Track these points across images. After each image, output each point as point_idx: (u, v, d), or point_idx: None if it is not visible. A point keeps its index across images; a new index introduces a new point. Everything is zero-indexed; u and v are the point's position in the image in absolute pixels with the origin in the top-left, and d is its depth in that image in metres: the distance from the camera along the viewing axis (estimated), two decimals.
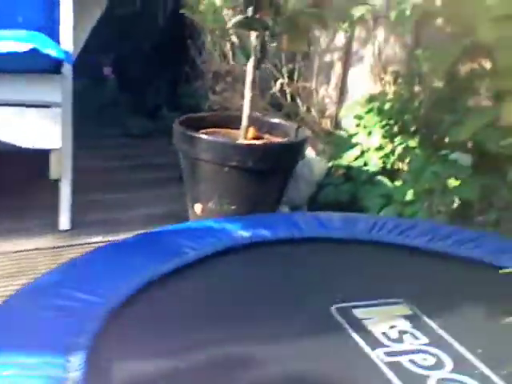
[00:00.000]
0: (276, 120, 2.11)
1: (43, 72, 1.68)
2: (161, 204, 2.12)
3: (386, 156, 2.24)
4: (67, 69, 1.79)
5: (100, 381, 0.81)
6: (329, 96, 2.90)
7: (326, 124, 2.81)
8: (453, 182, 1.99)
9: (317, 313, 1.10)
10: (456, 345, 1.04)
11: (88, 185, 2.15)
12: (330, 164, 2.37)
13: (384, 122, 2.25)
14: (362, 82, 2.62)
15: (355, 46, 2.73)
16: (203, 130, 1.94)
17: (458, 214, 1.92)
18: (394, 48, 2.54)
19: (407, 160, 2.17)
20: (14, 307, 0.94)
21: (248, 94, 1.87)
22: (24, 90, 1.65)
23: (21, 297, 0.97)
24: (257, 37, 1.73)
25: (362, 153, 2.29)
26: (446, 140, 2.03)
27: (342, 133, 2.48)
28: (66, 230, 1.81)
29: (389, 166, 2.24)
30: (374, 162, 2.24)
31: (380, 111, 2.27)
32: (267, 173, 1.81)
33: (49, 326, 0.89)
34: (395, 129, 2.26)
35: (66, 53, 1.68)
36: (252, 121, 2.04)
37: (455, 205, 1.93)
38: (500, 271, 1.01)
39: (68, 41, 1.77)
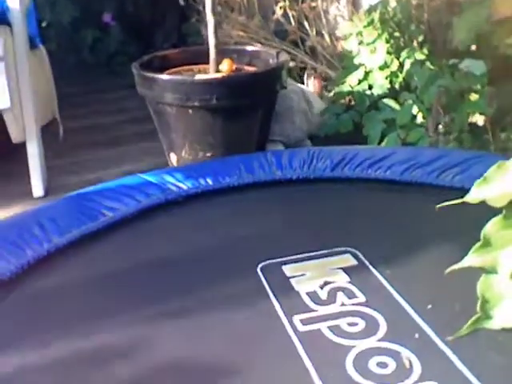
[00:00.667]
0: (256, 48, 1.89)
1: None
2: (147, 158, 1.98)
3: (393, 74, 1.95)
4: (17, 18, 1.64)
5: None
6: (341, 14, 2.60)
7: (341, 47, 2.52)
8: (465, 96, 1.70)
9: (239, 274, 0.93)
10: (401, 302, 0.84)
11: (70, 144, 2.05)
12: (332, 92, 2.12)
13: (387, 36, 1.96)
14: None
15: None
16: (171, 70, 1.76)
17: (469, 137, 1.63)
18: None
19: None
20: None
21: (210, 20, 1.64)
22: None
23: None
24: None
25: (366, 74, 2.02)
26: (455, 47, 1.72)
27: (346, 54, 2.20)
28: (41, 197, 1.71)
29: (397, 85, 1.95)
30: (380, 83, 1.96)
31: (382, 22, 1.97)
32: (238, 109, 1.61)
33: None
34: (401, 42, 1.96)
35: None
36: (229, 52, 1.83)
37: (467, 126, 1.65)
38: (436, 206, 0.78)
39: None
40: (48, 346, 0.77)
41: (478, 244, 0.75)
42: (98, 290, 0.90)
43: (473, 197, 0.75)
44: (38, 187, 1.69)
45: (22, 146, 1.72)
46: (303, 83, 2.37)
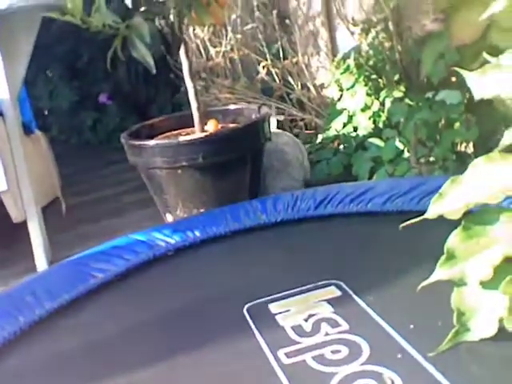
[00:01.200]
0: (239, 106, 1.96)
1: None
2: (147, 223, 2.01)
3: (375, 114, 2.01)
4: (7, 107, 1.74)
5: None
6: (322, 65, 2.70)
7: (326, 96, 2.60)
8: (445, 126, 1.74)
9: (226, 317, 0.94)
10: (383, 325, 0.84)
11: (72, 219, 2.11)
12: (320, 138, 2.17)
13: (365, 79, 2.03)
14: (352, 41, 2.39)
15: (335, 5, 2.51)
16: (159, 136, 1.83)
17: (455, 164, 1.66)
18: None
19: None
20: None
21: (189, 84, 1.72)
22: None
23: None
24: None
25: (350, 117, 2.08)
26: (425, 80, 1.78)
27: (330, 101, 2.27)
28: None
29: (380, 124, 2.00)
30: (364, 124, 2.01)
31: (358, 67, 2.05)
32: (225, 165, 1.65)
33: None
34: (379, 83, 2.03)
35: None
36: (214, 113, 1.90)
37: (451, 154, 1.68)
38: (400, 225, 0.80)
39: (0, 80, 1.73)
40: None
41: (443, 258, 0.77)
42: (89, 352, 0.91)
43: (431, 213, 0.78)
44: (41, 262, 1.74)
45: (25, 224, 1.78)
46: (295, 135, 2.44)
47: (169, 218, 1.76)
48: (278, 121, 2.34)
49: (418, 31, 1.83)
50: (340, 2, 2.45)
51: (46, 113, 3.63)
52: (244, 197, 1.74)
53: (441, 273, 0.76)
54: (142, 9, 1.48)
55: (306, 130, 2.51)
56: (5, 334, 0.90)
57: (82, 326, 0.96)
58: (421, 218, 0.78)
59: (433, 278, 0.76)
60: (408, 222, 0.79)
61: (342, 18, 2.36)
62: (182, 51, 1.67)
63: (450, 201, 0.76)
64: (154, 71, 1.42)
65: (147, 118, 3.28)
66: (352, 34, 2.20)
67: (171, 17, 1.54)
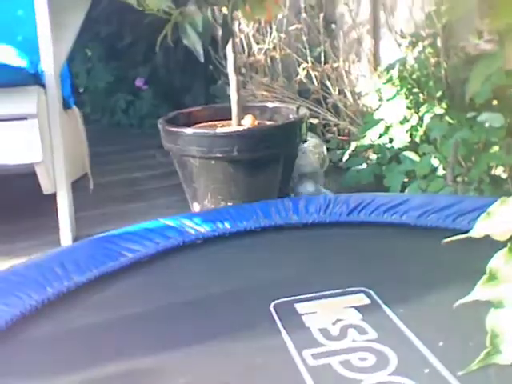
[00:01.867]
0: (277, 104, 1.96)
1: (18, 85, 1.65)
2: (172, 210, 2.03)
3: (413, 128, 1.99)
4: (50, 80, 1.76)
5: None
6: (362, 74, 2.68)
7: (363, 104, 2.58)
8: (484, 148, 1.71)
9: (252, 311, 0.94)
10: (413, 339, 0.83)
11: (99, 197, 2.12)
12: (353, 145, 2.16)
13: (406, 91, 2.01)
14: (396, 52, 2.38)
15: (383, 15, 2.49)
16: (196, 126, 1.83)
17: (490, 187, 1.64)
18: (423, 10, 2.28)
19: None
20: None
21: (233, 79, 1.72)
22: None
23: None
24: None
25: (387, 128, 2.06)
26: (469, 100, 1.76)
27: (367, 110, 2.26)
28: None
29: (417, 138, 1.99)
30: (400, 137, 2.00)
31: (401, 79, 2.03)
32: (259, 161, 1.65)
33: None
34: (420, 97, 2.01)
35: (33, 62, 1.64)
36: (251, 109, 1.90)
37: (487, 176, 1.66)
38: (444, 241, 0.79)
39: (47, 51, 1.74)
40: (62, 370, 0.79)
41: (485, 278, 0.75)
42: (113, 328, 0.92)
43: (477, 231, 0.76)
44: (66, 236, 1.75)
45: (52, 198, 1.79)
46: (327, 140, 2.43)
47: (196, 207, 1.77)
48: (311, 123, 2.34)
49: (468, 50, 1.81)
50: (389, 12, 2.44)
51: (82, 90, 3.66)
52: (273, 195, 1.74)
53: (480, 293, 0.74)
54: None
55: (339, 135, 2.50)
56: (32, 302, 0.91)
57: (109, 301, 0.96)
58: (466, 235, 0.76)
59: (471, 297, 0.75)
60: (452, 239, 0.77)
61: (390, 29, 2.35)
62: (229, 45, 1.67)
63: (497, 221, 0.74)
64: (203, 60, 1.43)
65: (180, 107, 3.30)
66: (399, 45, 2.18)
67: (224, 8, 1.54)
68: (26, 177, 1.88)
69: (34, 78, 1.70)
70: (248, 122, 1.81)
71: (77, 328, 0.90)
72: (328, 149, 2.38)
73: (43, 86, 1.74)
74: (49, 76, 1.76)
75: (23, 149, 1.66)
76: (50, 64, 1.76)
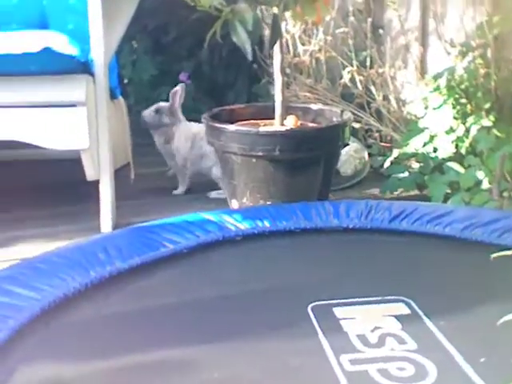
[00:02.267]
0: (321, 107, 1.94)
1: (68, 73, 1.68)
2: (212, 206, 2.03)
3: (459, 139, 1.95)
4: (99, 69, 1.78)
5: None
6: (408, 81, 2.64)
7: (407, 112, 2.55)
8: None
9: (289, 311, 0.94)
10: (453, 352, 0.82)
11: (139, 188, 2.14)
12: (396, 153, 2.13)
13: (453, 101, 1.97)
14: (444, 61, 2.34)
15: (432, 22, 2.46)
16: (239, 123, 1.83)
17: None
18: (475, 19, 2.24)
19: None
20: None
21: (279, 78, 1.72)
22: (47, 90, 1.67)
23: None
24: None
25: (432, 138, 2.03)
26: None
27: (412, 118, 2.23)
28: None
29: (463, 150, 1.95)
30: (445, 147, 1.96)
31: (449, 88, 1.99)
32: (300, 162, 1.64)
33: None
34: (468, 108, 1.97)
35: (83, 51, 1.67)
36: (295, 109, 1.89)
37: None
38: (492, 255, 0.77)
39: (98, 41, 1.77)
40: (100, 355, 0.80)
41: None
42: (152, 315, 0.93)
43: None
44: (106, 223, 1.77)
45: (94, 185, 1.82)
46: (368, 146, 2.41)
47: (234, 203, 1.77)
48: (353, 128, 2.32)
49: None
50: (439, 20, 2.40)
51: (126, 81, 3.71)
52: (312, 197, 1.73)
53: None
54: None
55: (381, 142, 2.48)
56: (76, 285, 0.93)
57: (148, 290, 0.97)
58: None
59: None
60: (501, 254, 0.75)
61: (439, 37, 2.31)
62: (277, 45, 1.67)
63: None
64: (250, 58, 1.43)
65: (222, 103, 3.32)
66: (448, 54, 2.14)
67: (274, 8, 1.54)
68: (71, 162, 1.92)
69: (84, 67, 1.73)
70: (291, 122, 1.80)
71: (116, 313, 0.92)
72: (369, 154, 2.36)
73: (92, 74, 1.76)
74: (98, 65, 1.78)
75: (71, 135, 1.68)
76: (99, 53, 1.78)
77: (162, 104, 2.10)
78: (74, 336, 0.85)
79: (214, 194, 2.06)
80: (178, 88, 2.11)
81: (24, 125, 1.68)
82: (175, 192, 2.10)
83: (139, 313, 0.90)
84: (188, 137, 2.05)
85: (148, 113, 2.08)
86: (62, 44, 1.58)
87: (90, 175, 1.78)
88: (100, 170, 1.81)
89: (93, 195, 1.83)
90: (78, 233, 1.75)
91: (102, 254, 1.02)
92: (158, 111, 2.08)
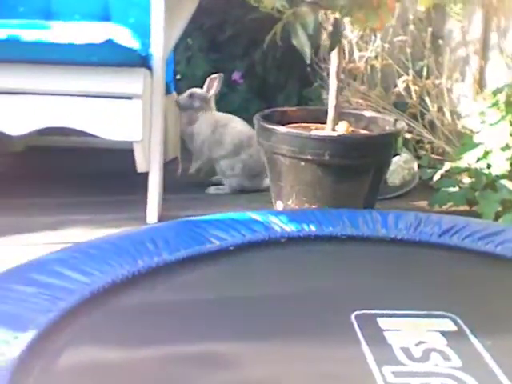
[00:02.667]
0: (374, 114, 1.92)
1: (127, 65, 1.72)
2: (255, 205, 2.04)
3: None
4: (157, 64, 1.82)
5: (36, 363, 0.75)
6: (464, 94, 2.59)
7: (462, 125, 2.50)
8: None
9: (333, 318, 0.93)
10: (498, 373, 0.79)
11: (185, 182, 2.17)
12: (448, 166, 2.09)
13: None
14: (504, 76, 2.28)
15: (494, 36, 2.40)
16: (289, 125, 1.83)
17: None
18: None
19: None
20: (5, 277, 0.94)
21: (333, 83, 1.71)
22: (106, 81, 1.70)
23: (16, 269, 0.97)
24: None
25: (486, 153, 1.98)
26: None
27: (466, 131, 2.18)
28: None
29: None
30: (499, 164, 1.91)
31: (508, 104, 1.94)
32: (349, 168, 1.63)
33: (21, 300, 0.87)
34: None
35: (144, 45, 1.70)
36: (347, 115, 1.88)
37: None
38: None
39: (158, 36, 1.80)
40: (144, 343, 0.82)
41: None
42: (196, 309, 0.94)
43: None
44: (152, 214, 1.80)
45: (144, 177, 1.86)
46: (419, 157, 2.38)
47: (279, 205, 1.77)
48: (404, 138, 2.29)
49: None
50: (502, 34, 2.34)
51: (179, 77, 3.76)
52: (358, 204, 1.72)
53: None
54: None
55: (432, 154, 2.43)
56: (124, 272, 0.95)
57: (193, 283, 0.98)
58: None
59: None
60: None
61: (501, 51, 2.25)
62: (335, 50, 1.66)
63: None
64: (309, 61, 1.43)
65: (272, 104, 3.33)
66: (509, 69, 2.09)
67: (336, 13, 1.53)
68: (123, 153, 1.97)
69: (143, 61, 1.76)
70: (342, 128, 1.79)
71: (161, 304, 0.93)
72: (419, 166, 2.33)
73: (150, 69, 1.80)
74: (157, 60, 1.81)
75: (125, 126, 1.72)
76: (159, 48, 1.81)
77: (197, 89, 2.20)
78: (120, 322, 0.87)
79: (212, 190, 2.15)
80: (216, 76, 2.19)
81: (81, 113, 1.72)
82: (190, 171, 2.19)
83: (183, 305, 0.91)
84: (210, 123, 2.13)
85: (182, 97, 2.18)
86: (123, 37, 1.62)
87: (141, 167, 1.82)
88: (150, 162, 1.84)
89: (141, 186, 1.87)
90: (124, 221, 1.79)
91: (150, 245, 1.04)
92: (191, 95, 2.17)
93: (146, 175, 1.84)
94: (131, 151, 1.80)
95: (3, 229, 1.69)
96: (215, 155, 2.12)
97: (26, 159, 2.44)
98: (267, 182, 2.02)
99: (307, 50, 1.44)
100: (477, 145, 2.01)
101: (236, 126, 2.15)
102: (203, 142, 2.12)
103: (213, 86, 2.18)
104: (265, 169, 1.97)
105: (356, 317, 0.92)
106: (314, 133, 1.70)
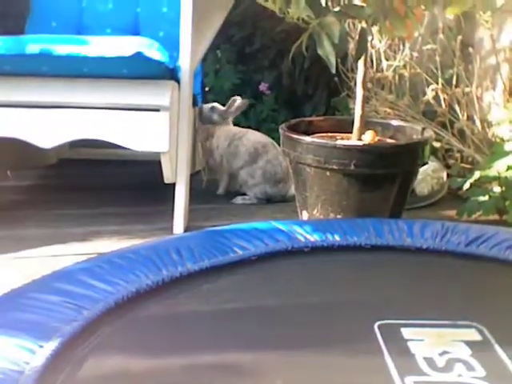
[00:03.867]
0: (401, 123, 1.90)
1: (155, 78, 1.75)
2: (280, 215, 2.04)
3: None
4: (185, 76, 1.84)
5: (60, 372, 0.77)
6: (495, 102, 2.55)
7: (493, 133, 2.46)
8: None
9: (355, 327, 0.92)
10: None
11: (210, 193, 2.19)
12: (478, 175, 2.06)
13: None
14: None
15: None
16: (315, 135, 1.83)
17: None
18: None
19: None
20: (32, 287, 0.96)
21: (360, 92, 1.71)
22: (134, 94, 1.74)
23: (42, 279, 0.99)
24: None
25: None
26: None
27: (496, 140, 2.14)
28: None
29: None
30: None
31: None
32: (375, 178, 1.62)
33: (46, 309, 0.89)
34: None
35: (172, 57, 1.73)
36: (373, 124, 1.87)
37: None
38: None
39: (186, 49, 1.83)
40: (167, 352, 0.82)
41: None
42: (218, 318, 0.94)
43: None
44: (179, 225, 1.82)
45: (170, 188, 1.88)
46: (448, 166, 2.35)
47: (305, 215, 1.77)
48: (433, 147, 2.26)
49: None
50: None
51: (207, 89, 3.80)
52: (385, 214, 1.70)
53: None
54: (337, 9, 1.49)
55: (461, 162, 2.40)
56: (148, 282, 0.96)
57: (216, 293, 0.99)
58: None
59: None
60: None
61: None
62: (361, 59, 1.66)
63: None
64: (334, 71, 1.43)
65: (299, 115, 3.33)
66: None
67: (363, 22, 1.53)
68: (150, 164, 2.00)
69: (171, 73, 1.79)
70: (369, 137, 1.78)
71: (184, 313, 0.94)
72: (448, 175, 2.29)
73: (178, 81, 1.83)
74: (184, 72, 1.84)
75: (152, 138, 1.75)
76: (187, 61, 1.84)
77: (218, 105, 2.28)
78: (143, 331, 0.88)
79: (239, 200, 2.16)
80: (241, 101, 2.29)
81: (110, 126, 1.76)
82: (218, 192, 2.23)
83: (206, 314, 0.92)
84: (227, 136, 2.19)
85: (205, 107, 2.26)
86: (152, 50, 1.65)
87: (168, 178, 1.85)
88: (177, 173, 1.87)
89: (168, 197, 1.90)
90: (151, 232, 1.81)
91: (174, 255, 1.05)
92: (212, 109, 2.24)
93: (173, 186, 1.87)
94: (159, 163, 1.83)
95: (33, 240, 1.74)
96: (234, 167, 2.16)
97: (57, 171, 2.50)
98: (293, 189, 2.04)
99: (332, 60, 1.45)
100: (507, 153, 1.97)
101: (250, 137, 2.19)
102: (222, 156, 2.17)
103: (233, 105, 2.26)
104: (288, 175, 2.04)
105: (379, 326, 0.91)
106: (340, 142, 1.69)
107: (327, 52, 1.42)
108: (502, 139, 2.08)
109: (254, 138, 2.20)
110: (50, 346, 0.80)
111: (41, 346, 0.79)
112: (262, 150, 2.14)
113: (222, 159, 2.17)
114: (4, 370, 0.72)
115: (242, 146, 2.14)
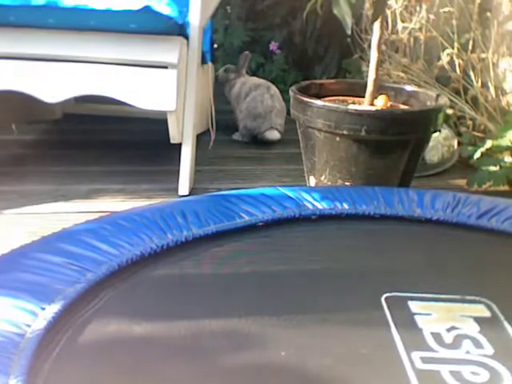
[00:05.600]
0: (415, 88, 1.85)
1: (163, 33, 1.69)
2: (287, 179, 2.02)
3: None
4: (194, 33, 1.79)
5: (62, 335, 0.76)
6: (510, 69, 2.48)
7: (507, 102, 2.39)
8: None
9: (362, 299, 0.91)
10: None
11: (217, 155, 2.16)
12: (489, 144, 2.01)
13: None
14: None
15: None
16: (326, 98, 1.79)
17: None
18: None
19: None
20: (34, 247, 0.95)
21: (374, 55, 1.65)
22: (142, 50, 1.69)
23: (46, 239, 0.98)
24: None
25: None
26: None
27: (510, 108, 2.08)
28: (184, 196, 1.81)
29: None
30: None
31: None
32: (386, 144, 1.58)
33: (49, 270, 0.87)
34: None
35: (181, 13, 1.67)
36: (386, 89, 1.82)
37: None
38: None
39: (196, 4, 1.77)
40: (169, 316, 0.81)
41: None
42: (223, 285, 0.93)
43: None
44: (184, 186, 1.80)
45: (177, 148, 1.85)
46: (459, 134, 2.30)
47: (312, 180, 1.74)
48: (445, 114, 2.21)
49: None
50: None
51: (216, 46, 3.72)
52: (394, 182, 1.67)
53: None
54: None
55: (473, 131, 2.35)
56: (153, 246, 0.94)
57: (221, 258, 0.97)
58: None
59: None
60: None
61: None
62: (378, 20, 1.59)
63: None
64: (349, 32, 1.38)
65: (309, 76, 3.27)
66: None
67: None
68: (157, 122, 1.96)
69: (180, 29, 1.73)
70: (381, 102, 1.74)
71: (188, 278, 0.92)
72: (459, 143, 2.25)
73: (187, 37, 1.77)
74: (194, 29, 1.78)
75: (159, 96, 1.71)
76: (196, 17, 1.78)
77: (230, 65, 2.61)
78: (147, 295, 0.87)
79: (233, 136, 2.42)
80: (246, 53, 2.58)
81: (116, 82, 1.71)
82: (234, 137, 2.43)
83: (210, 279, 0.91)
84: (242, 83, 2.49)
85: (220, 71, 2.59)
86: (161, 4, 1.59)
87: (174, 138, 1.81)
88: (183, 133, 1.83)
89: (174, 157, 1.86)
90: (156, 192, 1.79)
91: (180, 218, 1.03)
92: (226, 70, 2.57)
93: (179, 146, 1.83)
94: (165, 121, 1.79)
95: (36, 196, 1.72)
96: (239, 106, 2.42)
97: (63, 126, 2.47)
98: (274, 133, 2.35)
99: (348, 20, 1.39)
100: None
101: (253, 80, 2.46)
102: (237, 98, 2.46)
103: (241, 60, 2.57)
104: (271, 114, 2.32)
105: (386, 299, 0.90)
106: (352, 107, 1.65)
107: (343, 12, 1.36)
108: None
109: (254, 80, 2.46)
110: (53, 308, 0.78)
111: (43, 309, 0.78)
112: (253, 88, 2.38)
113: (238, 100, 2.43)
114: (5, 333, 0.71)
115: (244, 88, 2.42)
